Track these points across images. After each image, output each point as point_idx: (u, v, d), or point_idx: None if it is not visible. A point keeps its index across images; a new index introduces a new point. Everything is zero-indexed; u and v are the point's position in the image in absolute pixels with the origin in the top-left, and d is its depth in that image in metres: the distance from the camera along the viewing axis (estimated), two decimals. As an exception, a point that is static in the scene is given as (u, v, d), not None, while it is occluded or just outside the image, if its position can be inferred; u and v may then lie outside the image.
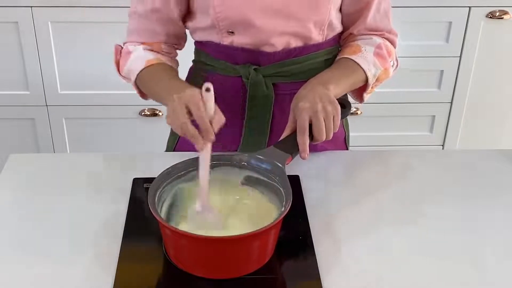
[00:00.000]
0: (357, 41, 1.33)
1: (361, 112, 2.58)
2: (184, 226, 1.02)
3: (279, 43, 1.26)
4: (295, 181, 1.21)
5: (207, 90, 1.02)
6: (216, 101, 1.03)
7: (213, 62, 1.32)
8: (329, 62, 1.33)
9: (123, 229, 1.08)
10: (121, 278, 0.97)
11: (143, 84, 1.29)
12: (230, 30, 1.25)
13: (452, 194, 1.22)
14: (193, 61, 1.40)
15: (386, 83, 2.49)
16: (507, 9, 2.40)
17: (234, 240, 0.95)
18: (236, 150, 1.36)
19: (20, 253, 1.03)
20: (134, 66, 1.30)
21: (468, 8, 2.40)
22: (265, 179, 1.08)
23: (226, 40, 1.27)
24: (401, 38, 2.43)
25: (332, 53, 1.34)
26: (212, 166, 1.06)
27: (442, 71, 2.53)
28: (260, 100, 1.31)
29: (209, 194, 1.04)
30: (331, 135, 1.13)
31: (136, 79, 1.29)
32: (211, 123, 1.02)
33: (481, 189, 1.24)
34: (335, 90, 1.19)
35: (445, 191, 1.23)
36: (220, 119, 1.04)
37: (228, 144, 1.34)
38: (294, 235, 1.08)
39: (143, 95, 1.35)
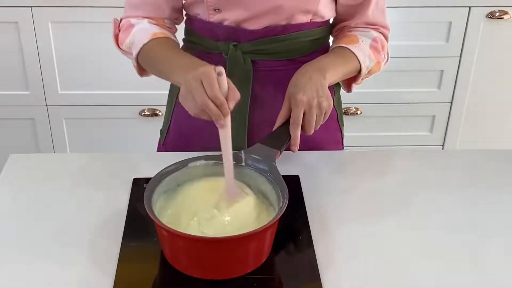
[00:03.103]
0: (354, 31, 1.34)
1: (361, 112, 2.58)
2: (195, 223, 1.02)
3: (261, 22, 1.27)
4: (295, 181, 1.21)
5: (219, 74, 1.01)
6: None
7: (199, 40, 1.33)
8: (312, 43, 1.33)
9: (123, 229, 1.08)
10: (120, 279, 0.97)
11: (147, 58, 1.26)
12: (217, 8, 1.26)
13: (452, 194, 1.22)
14: (183, 40, 1.40)
15: (387, 83, 2.52)
16: (507, 9, 2.40)
17: (230, 240, 0.94)
18: None
19: (19, 253, 1.03)
20: (138, 38, 1.27)
21: (468, 8, 2.40)
22: (262, 178, 1.07)
23: (212, 17, 1.28)
24: (401, 38, 2.46)
25: (315, 35, 1.33)
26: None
27: (442, 71, 2.53)
28: (239, 75, 1.29)
29: (233, 172, 1.05)
30: (318, 127, 1.16)
31: (139, 52, 1.26)
32: (226, 99, 1.01)
33: (481, 189, 1.24)
34: (331, 77, 1.21)
35: (445, 191, 1.23)
36: (234, 95, 1.03)
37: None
38: (293, 235, 1.08)
39: (142, 71, 1.33)
